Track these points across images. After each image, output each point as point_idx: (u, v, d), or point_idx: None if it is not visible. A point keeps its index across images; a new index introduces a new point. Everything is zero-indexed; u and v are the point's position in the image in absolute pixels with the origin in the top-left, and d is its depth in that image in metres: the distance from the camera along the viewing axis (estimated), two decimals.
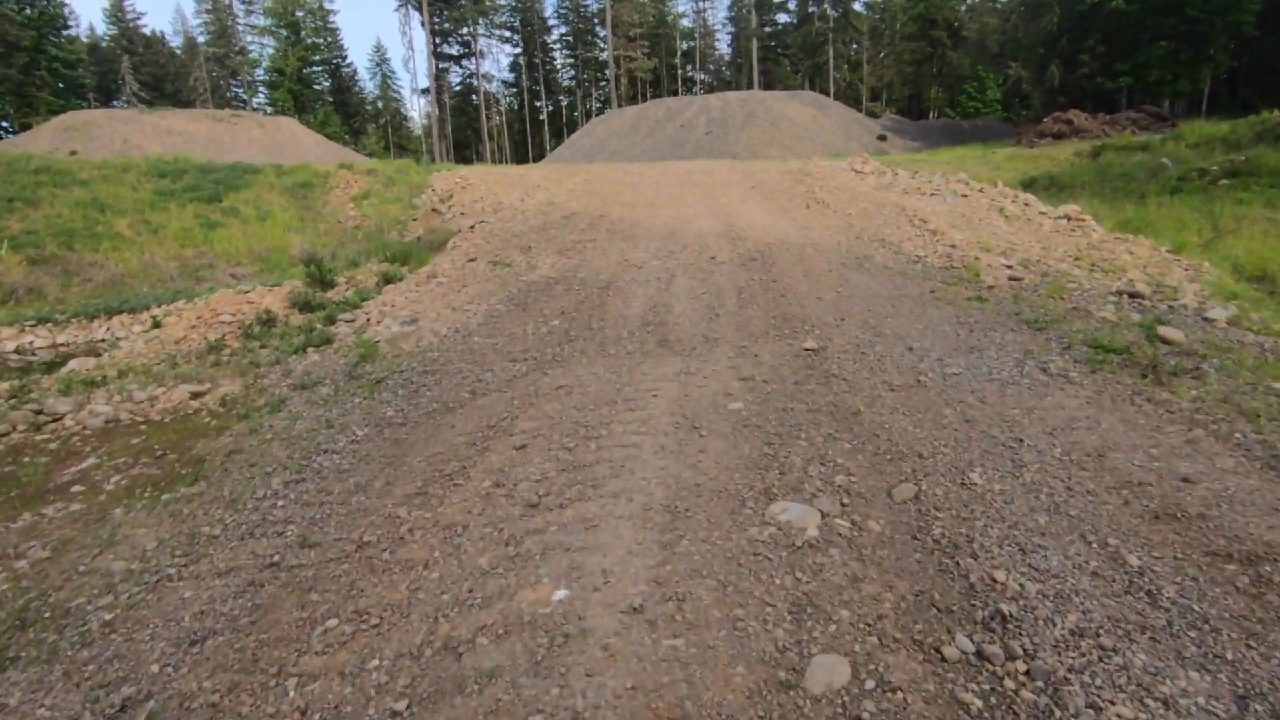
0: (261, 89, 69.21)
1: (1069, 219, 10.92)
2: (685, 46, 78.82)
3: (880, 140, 44.03)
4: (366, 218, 22.18)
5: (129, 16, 71.23)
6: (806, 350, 6.02)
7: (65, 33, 64.63)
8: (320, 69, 77.29)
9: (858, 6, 65.58)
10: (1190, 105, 41.06)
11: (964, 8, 71.48)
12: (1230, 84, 43.40)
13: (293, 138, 45.74)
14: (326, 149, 47.31)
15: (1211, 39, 35.80)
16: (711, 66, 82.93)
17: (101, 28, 70.89)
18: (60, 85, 57.63)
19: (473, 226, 16.06)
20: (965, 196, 12.93)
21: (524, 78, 78.71)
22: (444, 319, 8.26)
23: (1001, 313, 6.94)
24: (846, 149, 41.04)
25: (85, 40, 70.50)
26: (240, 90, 68.87)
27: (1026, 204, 12.08)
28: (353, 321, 8.78)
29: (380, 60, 78.72)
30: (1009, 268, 8.49)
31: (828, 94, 55.66)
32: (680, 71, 76.58)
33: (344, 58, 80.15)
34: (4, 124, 52.41)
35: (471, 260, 11.94)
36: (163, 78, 72.46)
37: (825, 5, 65.28)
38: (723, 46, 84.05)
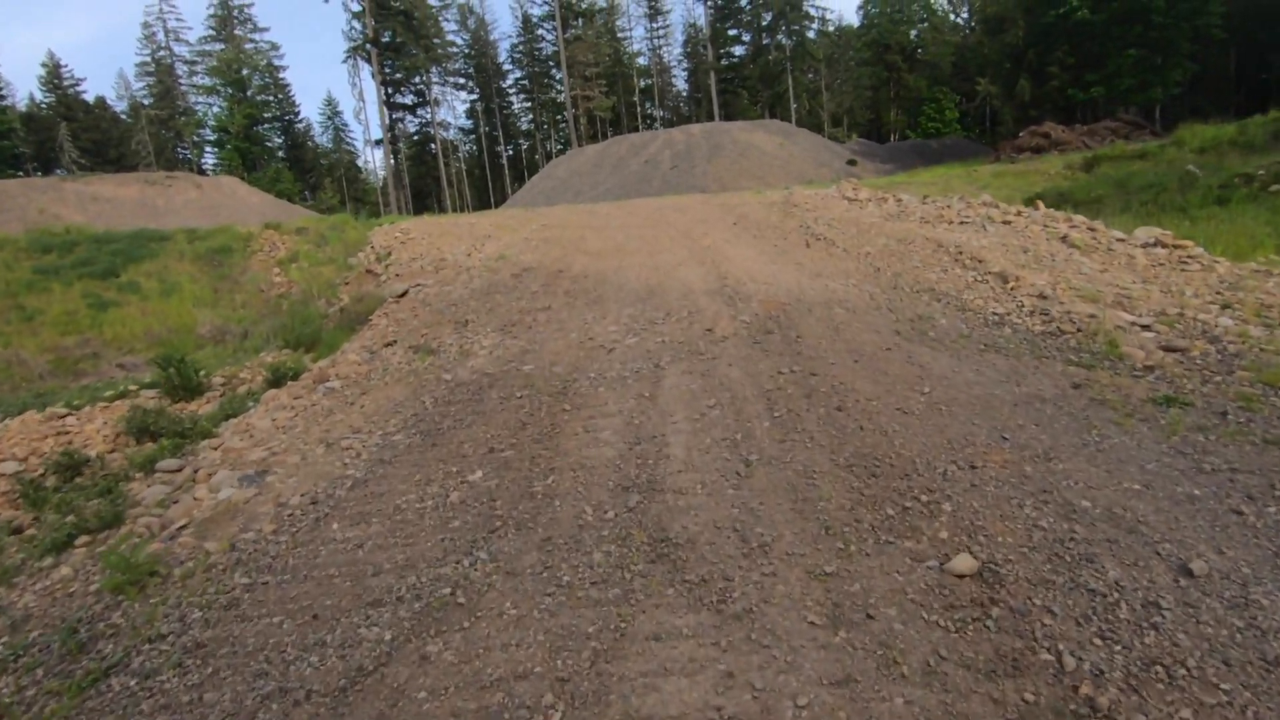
0: (209, 149, 66.10)
1: (1162, 245, 8.29)
2: (643, 84, 77.54)
3: (851, 165, 42.19)
4: (294, 284, 19.08)
5: (67, 83, 67.97)
6: (958, 580, 3.04)
7: None
8: (272, 126, 74.50)
9: (811, 34, 64.71)
10: (1146, 114, 39.90)
11: (914, 33, 71.30)
12: (1193, 91, 42.41)
13: (234, 197, 42.59)
14: (274, 207, 44.22)
15: (1178, 45, 34.57)
16: (670, 103, 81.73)
17: (40, 95, 67.46)
18: None
19: (404, 293, 13.11)
20: (1008, 223, 10.32)
21: (481, 123, 76.65)
22: (308, 469, 5.20)
23: (1240, 433, 4.10)
24: (818, 176, 39.04)
25: (22, 109, 67.07)
26: (186, 151, 65.66)
27: (1092, 229, 9.46)
28: (178, 471, 5.70)
29: (332, 113, 76.14)
30: (1148, 329, 5.75)
31: (789, 123, 54.12)
32: (640, 109, 75.11)
33: (296, 113, 77.53)
34: None
35: (388, 345, 8.94)
36: (105, 143, 69.02)
37: (779, 36, 64.33)
38: (680, 83, 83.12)
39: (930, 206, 12.76)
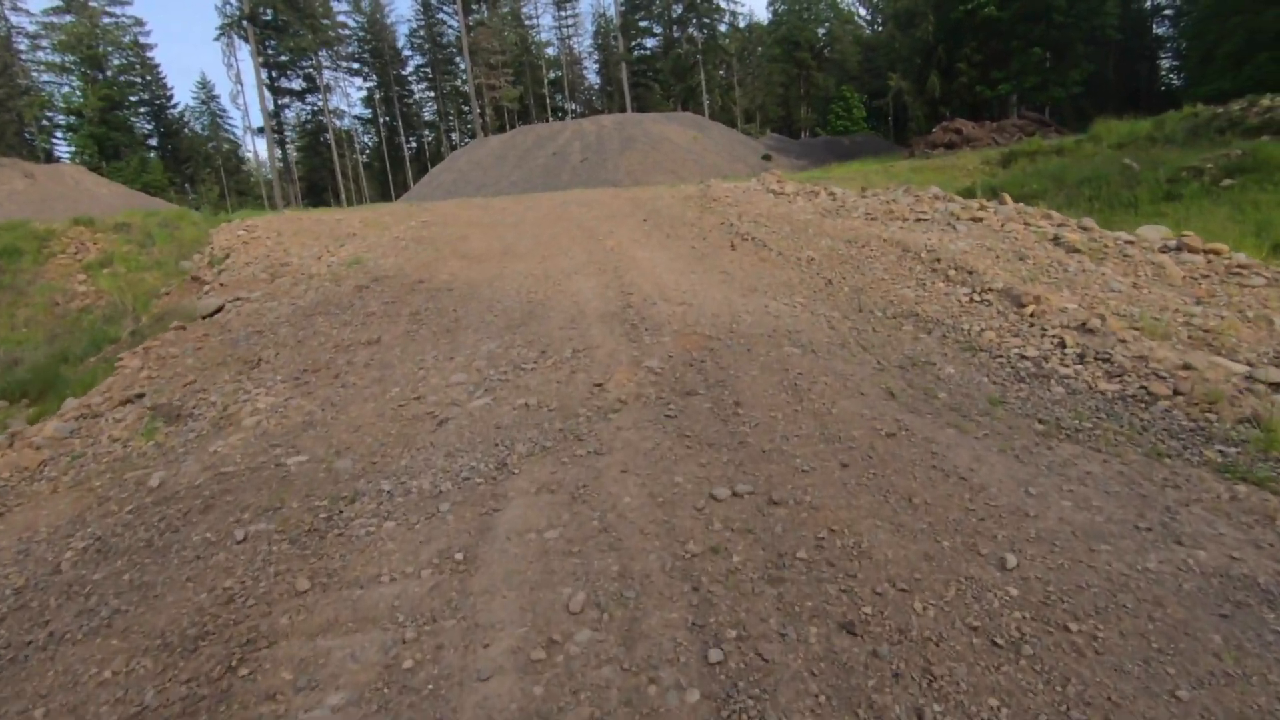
0: (60, 135, 58.05)
1: (1189, 250, 6.36)
2: (553, 75, 74.16)
3: (766, 160, 40.70)
4: (104, 294, 15.22)
5: None
6: None
7: None
8: (141, 111, 66.57)
9: (723, 28, 63.33)
10: (1042, 113, 40.39)
11: (822, 31, 71.26)
12: (1091, 92, 43.24)
13: (78, 188, 36.77)
14: (128, 201, 38.54)
15: (1075, 45, 34.71)
16: (582, 95, 78.71)
17: None
18: None
19: (218, 310, 9.97)
20: (978, 220, 8.28)
21: (380, 113, 71.28)
22: None
23: None
24: (733, 170, 37.25)
25: None
26: (33, 137, 57.36)
27: (1085, 229, 7.50)
28: None
29: (208, 97, 68.83)
30: (1255, 382, 3.58)
31: (703, 116, 52.39)
32: (549, 101, 71.73)
33: (169, 97, 69.70)
34: None
35: (126, 401, 5.90)
36: None
37: (690, 29, 62.57)
38: (592, 76, 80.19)
39: (873, 200, 10.67)
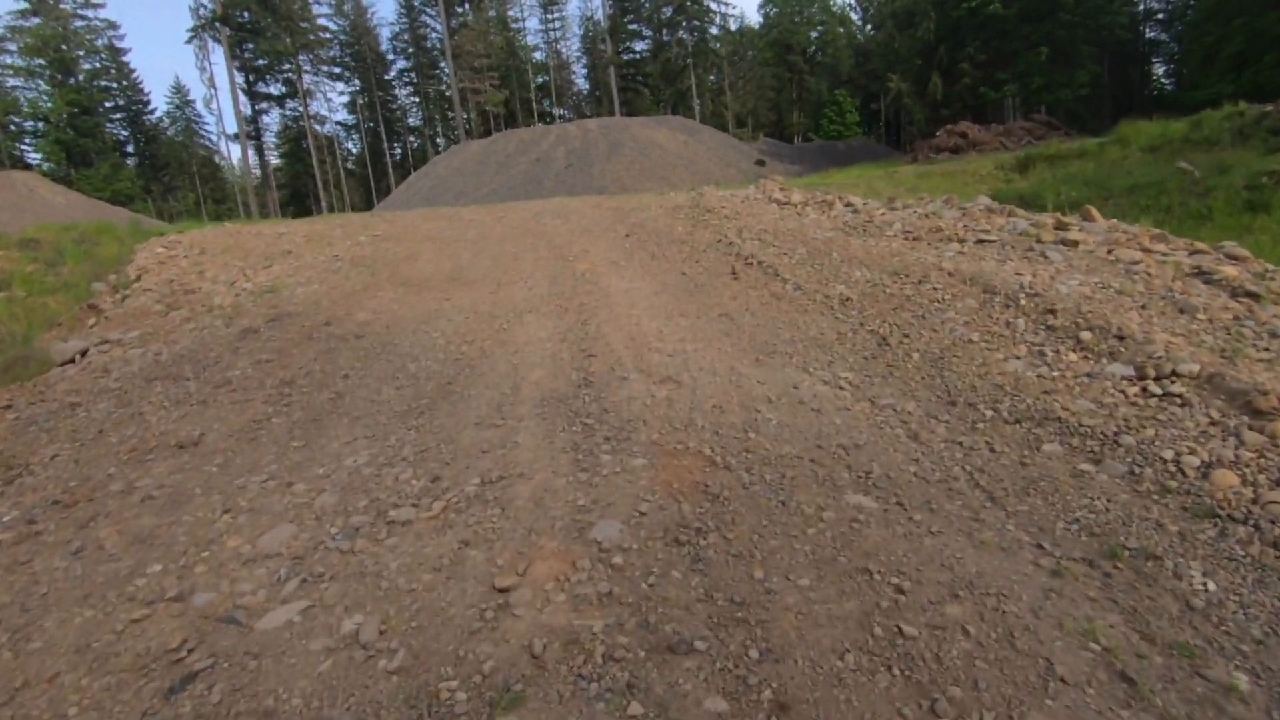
0: (27, 140, 55.27)
1: None
2: (540, 80, 71.95)
3: (759, 165, 38.63)
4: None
5: None
6: None
7: None
8: (115, 117, 63.92)
9: (714, 31, 61.32)
10: (1050, 115, 38.50)
11: (814, 34, 69.44)
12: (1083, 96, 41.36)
13: (30, 197, 34.27)
14: (86, 210, 36.02)
15: (1079, 46, 32.77)
16: (571, 100, 76.56)
17: None
18: None
19: (80, 355, 7.73)
20: (1073, 245, 6.07)
21: (363, 118, 68.86)
22: None
23: None
24: (725, 176, 35.14)
25: None
26: None
27: (1236, 258, 5.32)
28: None
29: (183, 102, 66.23)
30: None
31: (694, 120, 50.30)
32: (536, 106, 69.49)
33: (145, 103, 67.04)
34: None
35: None
36: None
37: (680, 32, 60.53)
38: (581, 80, 78.06)
39: (908, 214, 8.46)
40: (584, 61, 74.48)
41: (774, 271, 7.23)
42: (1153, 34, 53.30)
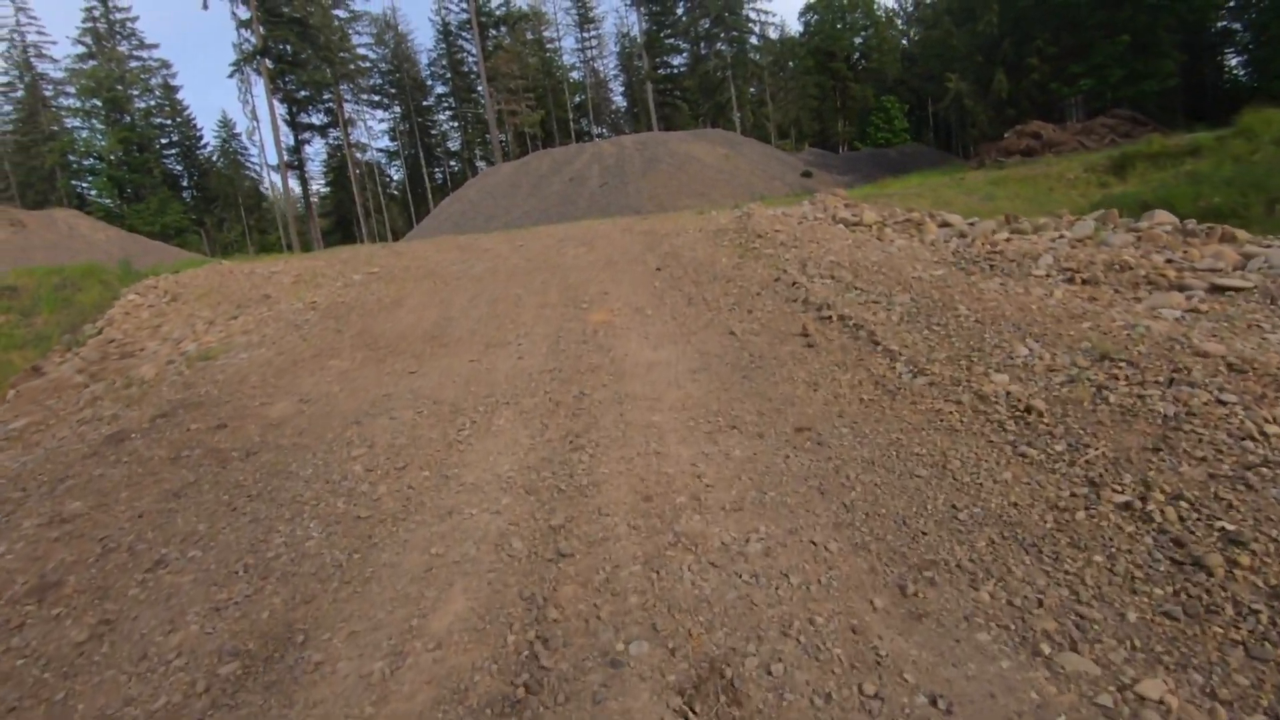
0: (87, 178, 56.38)
1: None
2: (578, 99, 70.75)
3: (806, 176, 35.99)
4: None
5: None
6: None
7: None
8: (170, 153, 65.15)
9: (754, 40, 59.00)
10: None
11: (858, 40, 66.60)
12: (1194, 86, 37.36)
13: (72, 235, 34.03)
14: (127, 246, 35.68)
15: (1160, 34, 29.24)
16: (608, 118, 75.16)
17: None
18: None
19: None
20: None
21: (404, 145, 68.74)
22: None
23: None
24: (770, 190, 32.64)
25: None
26: (57, 182, 55.85)
27: None
28: None
29: (229, 135, 67.19)
30: None
31: (734, 132, 47.94)
32: (574, 125, 68.20)
33: (198, 138, 68.36)
34: None
35: None
36: None
37: (719, 44, 58.41)
38: (618, 98, 76.60)
39: (1054, 241, 5.93)
40: (621, 79, 73.11)
41: (868, 335, 4.83)
42: (1224, 23, 48.69)
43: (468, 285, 10.03)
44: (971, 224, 7.38)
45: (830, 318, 5.47)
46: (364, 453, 4.16)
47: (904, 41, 70.06)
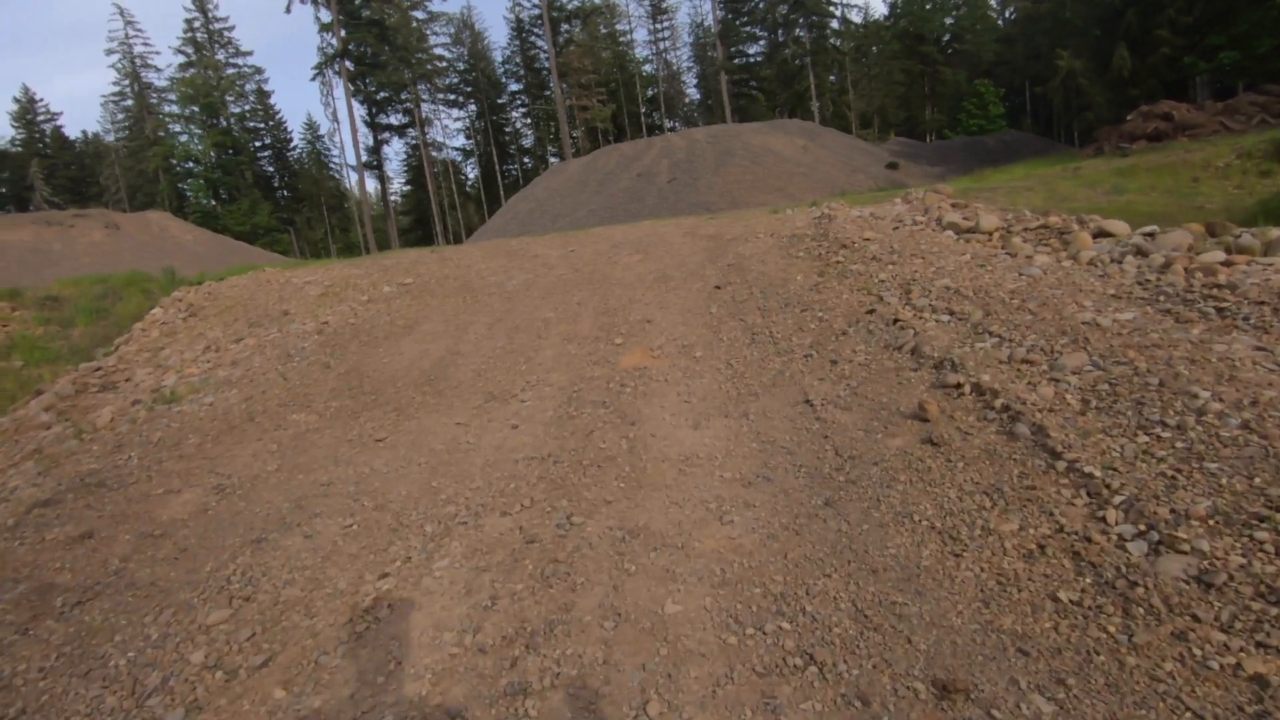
0: (187, 181, 59.16)
1: None
2: (650, 92, 69.07)
3: (891, 168, 33.10)
4: None
5: (41, 118, 62.16)
6: None
7: None
8: (263, 155, 67.77)
9: (835, 25, 55.63)
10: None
11: (949, 20, 61.95)
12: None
13: (163, 236, 35.18)
14: (214, 246, 36.72)
15: None
16: (682, 111, 73.13)
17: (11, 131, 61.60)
18: None
19: None
20: None
21: (479, 143, 69.07)
22: None
23: None
24: (852, 184, 30.06)
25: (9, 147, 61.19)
26: (160, 185, 58.92)
27: None
28: None
29: (314, 137, 69.22)
30: None
31: (813, 122, 45.10)
32: (645, 119, 66.58)
33: (288, 140, 70.91)
34: None
35: None
36: (83, 180, 63.13)
37: (797, 30, 55.34)
38: (692, 90, 74.40)
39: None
40: (695, 70, 70.96)
41: (1032, 433, 2.96)
42: None
43: (496, 304, 8.59)
44: (1150, 235, 5.26)
45: (960, 388, 3.61)
46: (223, 621, 2.68)
47: (1000, 21, 64.77)
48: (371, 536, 3.20)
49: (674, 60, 70.75)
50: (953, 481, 2.81)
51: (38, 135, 61.32)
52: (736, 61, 58.69)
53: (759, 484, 3.10)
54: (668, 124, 67.95)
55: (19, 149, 60.69)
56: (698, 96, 72.73)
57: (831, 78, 59.23)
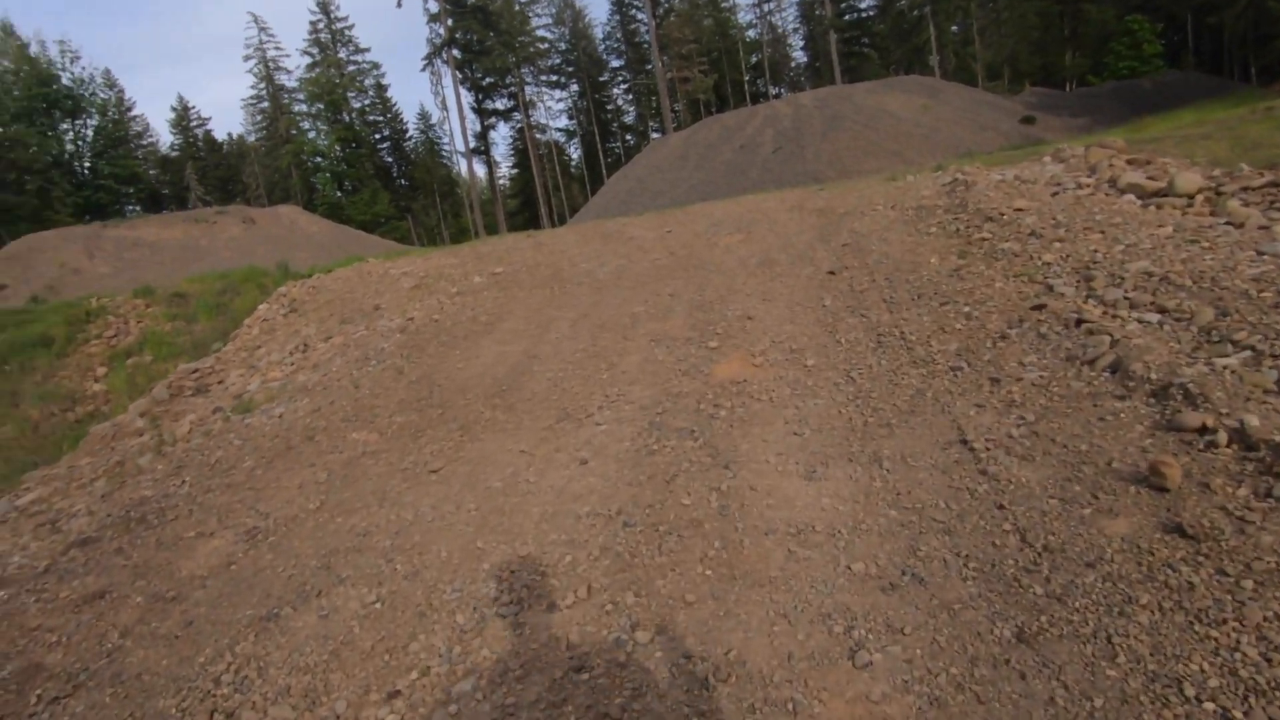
0: (315, 175, 63.22)
1: None
2: (754, 59, 66.13)
3: (1027, 122, 29.53)
4: (112, 396, 11.58)
5: (194, 123, 68.33)
6: None
7: (144, 145, 62.78)
8: (382, 146, 71.24)
9: None
10: None
11: None
12: None
13: (293, 228, 37.50)
14: (335, 237, 38.81)
15: None
16: (788, 76, 69.61)
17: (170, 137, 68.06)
18: (113, 205, 54.09)
19: None
20: None
21: (582, 122, 69.09)
22: None
23: None
24: (980, 143, 27.08)
25: (166, 152, 67.92)
26: (292, 181, 63.32)
27: None
28: None
29: (426, 126, 71.70)
30: None
31: (933, 77, 41.20)
32: (749, 87, 63.85)
33: (404, 131, 74.05)
34: None
35: None
36: (229, 179, 68.98)
37: None
38: (799, 54, 70.55)
39: None
40: (801, 32, 67.16)
41: None
42: None
43: (583, 296, 7.87)
44: None
45: (1209, 435, 2.43)
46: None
47: None
48: (394, 623, 2.53)
49: (779, 23, 67.32)
50: (1242, 621, 1.73)
51: (192, 140, 67.44)
52: (847, 18, 54.86)
53: (906, 588, 2.14)
54: (772, 91, 64.85)
55: (177, 153, 67.09)
56: (804, 60, 68.95)
57: (954, 27, 54.00)
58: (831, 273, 6.47)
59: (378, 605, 2.67)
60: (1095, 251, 4.75)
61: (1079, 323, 3.75)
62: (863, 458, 3.03)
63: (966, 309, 4.56)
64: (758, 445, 3.35)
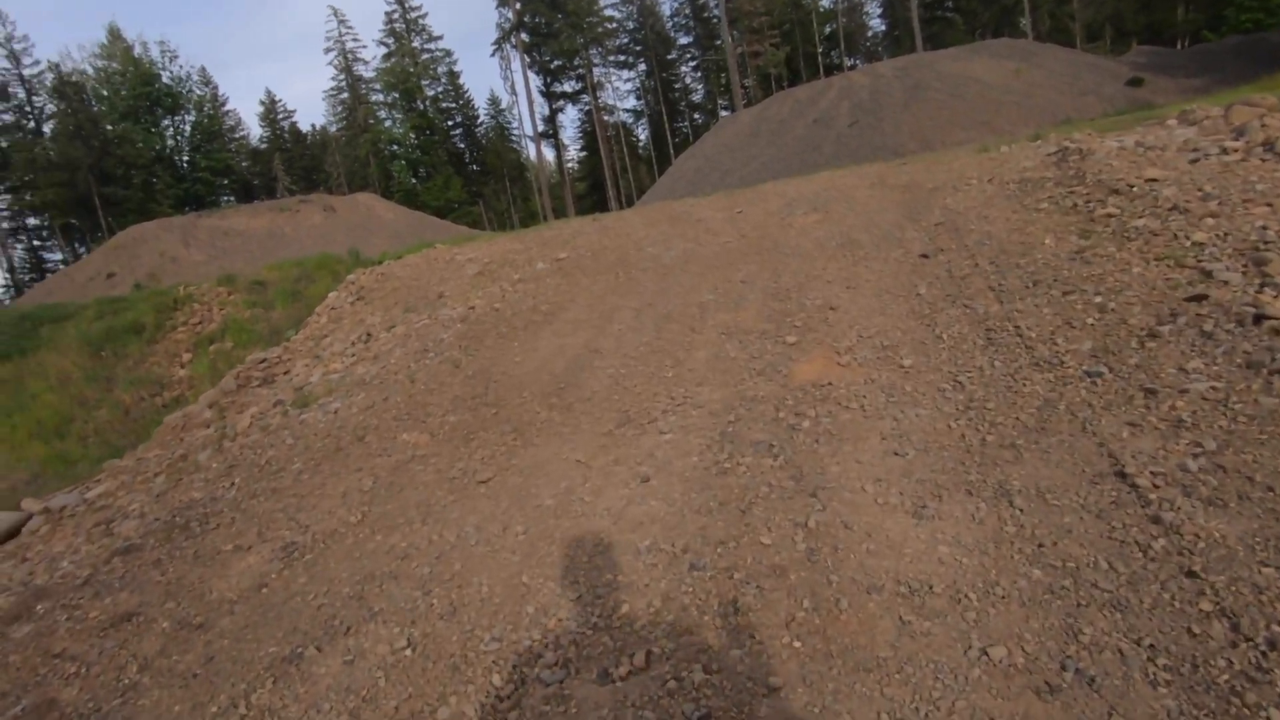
0: (392, 163, 65.02)
1: None
2: (828, 29, 63.27)
3: (1134, 85, 26.85)
4: (196, 381, 12.03)
5: (280, 117, 71.36)
6: None
7: (236, 138, 66.15)
8: (455, 132, 72.53)
9: None
10: None
11: None
12: None
13: (370, 216, 38.57)
14: (410, 224, 39.71)
15: None
16: (864, 47, 66.37)
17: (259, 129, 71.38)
18: (209, 196, 57.30)
19: (11, 535, 4.74)
20: None
21: (650, 102, 68.16)
22: None
23: None
24: (1079, 109, 24.88)
25: (256, 144, 71.35)
26: (368, 170, 65.30)
27: None
28: None
29: (496, 111, 72.32)
30: None
31: (1026, 39, 38.14)
32: (824, 60, 61.18)
33: (475, 117, 75.08)
34: None
35: None
36: (313, 169, 71.84)
37: None
38: (876, 22, 67.03)
39: None
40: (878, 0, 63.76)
41: None
42: None
43: (649, 283, 7.42)
44: None
45: None
46: None
47: None
48: (423, 677, 2.17)
49: None
50: None
51: (279, 132, 70.49)
52: None
53: (1072, 692, 1.59)
54: (847, 63, 61.96)
55: (265, 145, 70.35)
56: (882, 28, 65.49)
57: None
58: (924, 256, 5.77)
59: (408, 651, 2.32)
60: (1264, 229, 3.92)
61: (1259, 319, 3.01)
62: (985, 490, 2.46)
63: (1098, 299, 3.84)
64: (850, 467, 2.82)
